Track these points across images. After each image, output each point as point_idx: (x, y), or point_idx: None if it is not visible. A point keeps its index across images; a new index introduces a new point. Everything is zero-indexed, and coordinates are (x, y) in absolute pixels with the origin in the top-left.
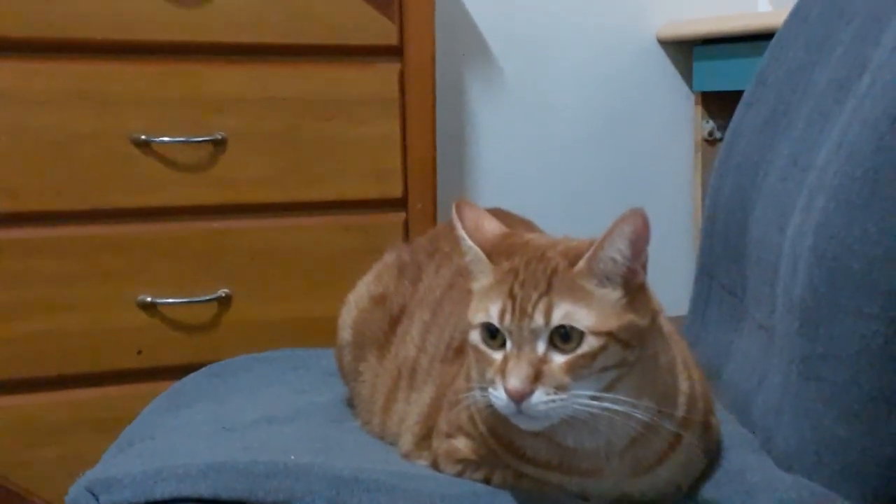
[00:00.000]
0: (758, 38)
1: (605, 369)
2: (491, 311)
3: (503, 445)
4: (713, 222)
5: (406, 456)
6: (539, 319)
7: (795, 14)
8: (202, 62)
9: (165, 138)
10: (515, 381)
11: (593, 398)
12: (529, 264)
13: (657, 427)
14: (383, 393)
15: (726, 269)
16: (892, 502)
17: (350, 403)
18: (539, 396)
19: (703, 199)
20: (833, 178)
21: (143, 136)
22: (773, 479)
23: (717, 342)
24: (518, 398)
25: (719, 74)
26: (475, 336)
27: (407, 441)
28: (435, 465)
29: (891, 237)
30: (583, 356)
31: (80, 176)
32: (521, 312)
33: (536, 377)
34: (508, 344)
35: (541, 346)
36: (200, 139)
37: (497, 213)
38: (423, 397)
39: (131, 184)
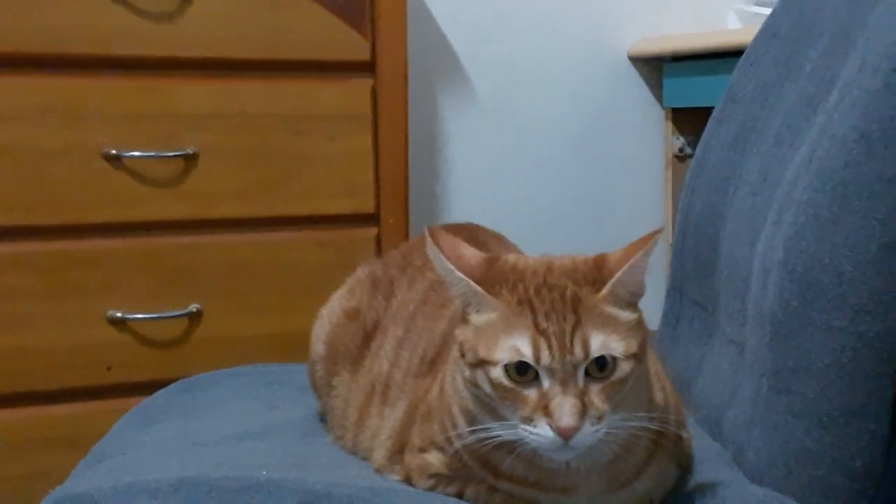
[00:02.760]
0: (727, 55)
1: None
2: (522, 349)
3: (478, 461)
4: (684, 238)
5: (379, 471)
6: (579, 353)
7: (765, 31)
8: (174, 77)
9: (136, 153)
10: (569, 418)
11: (623, 419)
12: (540, 293)
13: (635, 442)
14: (356, 408)
15: (697, 285)
16: None
17: (322, 418)
18: (587, 429)
19: (674, 214)
20: (802, 192)
21: (113, 151)
22: (744, 492)
23: (687, 357)
24: (570, 435)
25: (689, 91)
26: (497, 373)
27: (380, 456)
28: (408, 480)
29: (860, 251)
30: (617, 381)
31: (50, 191)
32: (560, 348)
33: (583, 411)
34: (546, 381)
35: (580, 379)
36: (172, 154)
37: (468, 228)
38: (396, 412)
39: (102, 198)
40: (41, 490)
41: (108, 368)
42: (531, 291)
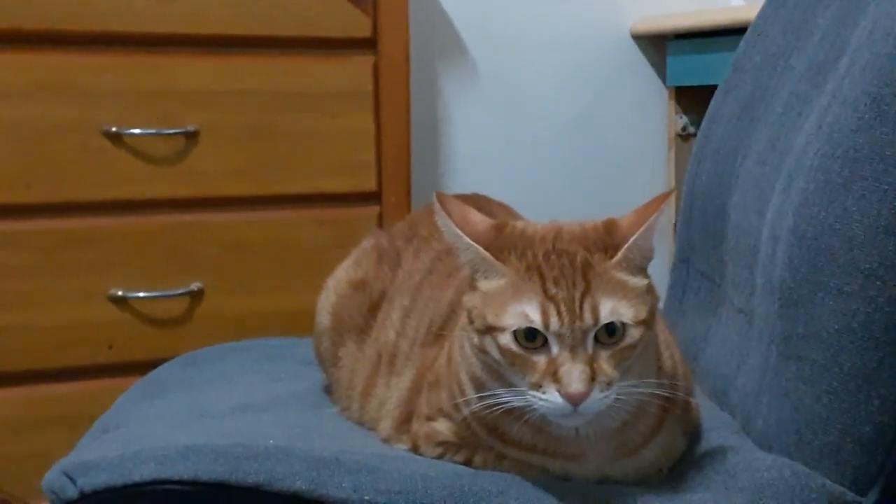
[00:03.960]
0: (731, 33)
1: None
2: (531, 315)
3: (486, 428)
4: (691, 209)
5: (386, 440)
6: (588, 319)
7: (772, 0)
8: (174, 54)
9: (137, 130)
10: (578, 384)
11: (632, 386)
12: (549, 259)
13: (644, 408)
14: (363, 378)
15: (704, 256)
16: (872, 480)
17: (328, 390)
18: (596, 395)
19: (678, 193)
20: (813, 158)
21: (114, 129)
22: (753, 459)
23: (694, 328)
24: (579, 401)
25: (693, 69)
26: (506, 340)
27: (387, 425)
28: (415, 449)
29: (871, 216)
30: (627, 348)
31: (50, 168)
32: (569, 314)
33: (592, 377)
34: (555, 347)
35: (590, 345)
36: (172, 131)
37: (476, 199)
38: (403, 381)
39: (102, 176)
40: (42, 469)
41: (110, 347)
42: (540, 257)
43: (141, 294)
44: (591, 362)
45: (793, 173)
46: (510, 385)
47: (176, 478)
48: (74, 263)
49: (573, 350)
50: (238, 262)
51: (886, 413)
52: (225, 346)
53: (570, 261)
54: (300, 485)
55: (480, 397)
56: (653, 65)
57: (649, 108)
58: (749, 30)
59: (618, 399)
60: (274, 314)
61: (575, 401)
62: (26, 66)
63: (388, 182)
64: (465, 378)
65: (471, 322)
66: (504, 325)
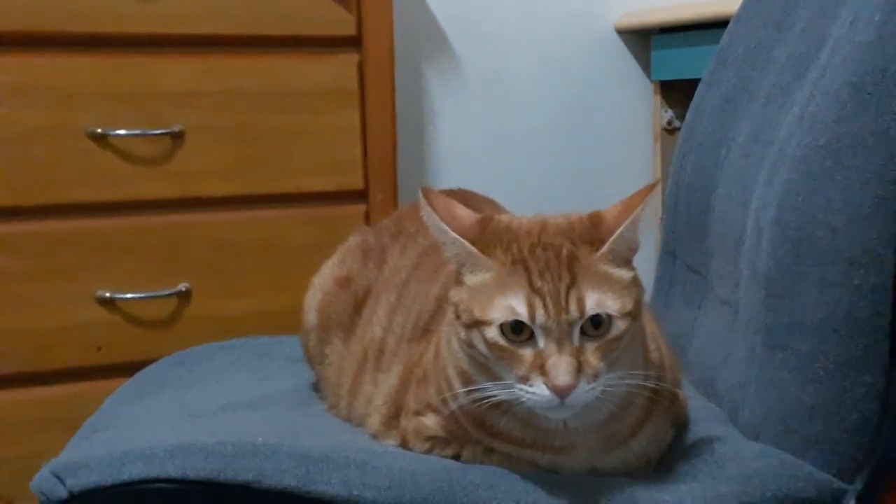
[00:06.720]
0: (715, 26)
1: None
2: (517, 308)
3: (474, 422)
4: (676, 202)
5: (375, 436)
6: (574, 311)
7: None
8: (159, 54)
9: (122, 131)
10: (565, 377)
11: (620, 377)
12: (535, 252)
13: (632, 400)
14: (350, 375)
15: (689, 248)
16: (859, 468)
17: (316, 388)
18: (583, 387)
19: (664, 187)
20: (796, 149)
21: (99, 130)
22: (741, 448)
23: (681, 321)
24: (566, 393)
25: (678, 63)
26: (492, 333)
27: (375, 421)
28: (404, 444)
29: (854, 205)
30: (613, 340)
31: (35, 170)
32: (555, 307)
33: (579, 369)
34: (541, 340)
35: (576, 338)
36: (158, 132)
37: (462, 194)
38: (390, 377)
39: (88, 178)
40: (32, 470)
41: (98, 349)
42: (525, 251)
43: (129, 295)
44: (578, 354)
45: (776, 164)
46: (497, 379)
47: (165, 477)
48: (61, 265)
49: (559, 342)
50: (225, 262)
51: (872, 401)
52: (213, 345)
53: (555, 254)
54: (289, 482)
55: (468, 391)
56: (637, 59)
57: (634, 102)
58: (731, 22)
59: (605, 391)
60: (262, 313)
61: (562, 393)
62: (8, 67)
63: (374, 180)
64: (452, 373)
65: (457, 317)
66: (490, 319)
